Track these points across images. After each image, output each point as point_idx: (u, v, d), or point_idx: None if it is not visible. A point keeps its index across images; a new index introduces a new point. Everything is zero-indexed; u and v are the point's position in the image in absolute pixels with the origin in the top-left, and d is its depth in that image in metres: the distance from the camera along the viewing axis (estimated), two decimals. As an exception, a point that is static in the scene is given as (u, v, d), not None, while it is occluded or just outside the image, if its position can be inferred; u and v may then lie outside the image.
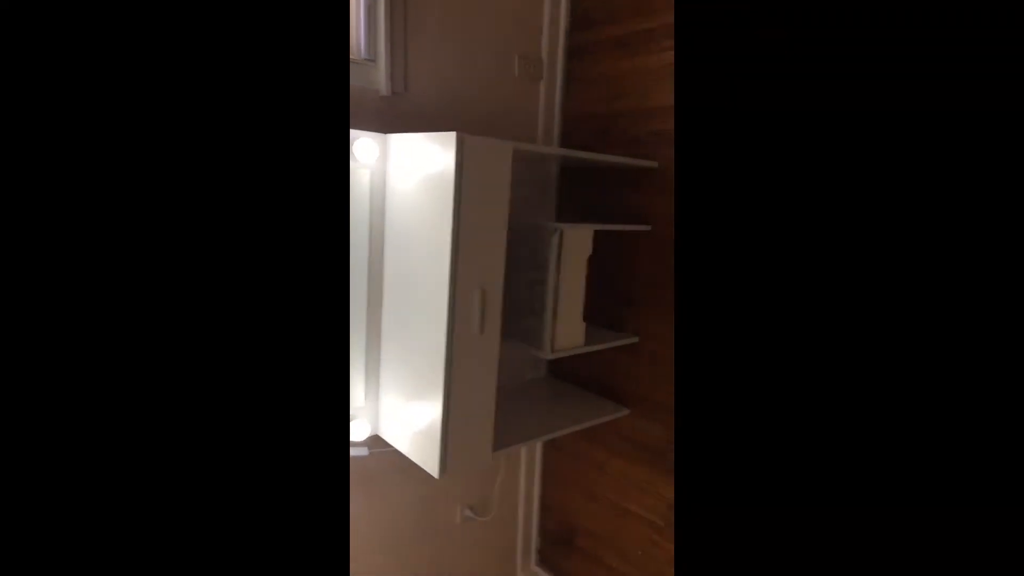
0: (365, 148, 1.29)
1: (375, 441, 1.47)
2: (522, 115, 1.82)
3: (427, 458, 1.31)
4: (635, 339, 1.69)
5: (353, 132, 1.28)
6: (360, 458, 1.52)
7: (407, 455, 1.38)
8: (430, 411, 1.27)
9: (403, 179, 1.30)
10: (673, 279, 1.61)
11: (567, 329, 1.51)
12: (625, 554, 1.84)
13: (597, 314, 1.78)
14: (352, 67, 1.42)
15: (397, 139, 1.30)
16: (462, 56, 1.64)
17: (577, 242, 1.48)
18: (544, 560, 2.15)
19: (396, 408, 1.40)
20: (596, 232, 1.54)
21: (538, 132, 1.86)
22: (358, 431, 1.42)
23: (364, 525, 1.69)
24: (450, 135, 1.13)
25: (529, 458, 2.09)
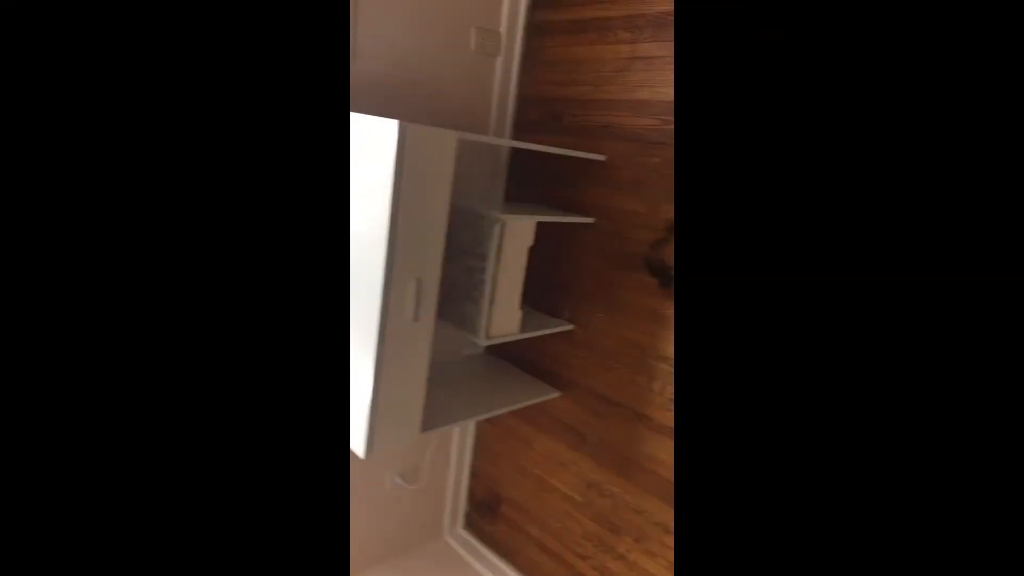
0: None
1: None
2: (476, 91, 1.68)
3: (353, 438, 1.22)
4: (570, 327, 1.65)
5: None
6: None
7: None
8: (359, 394, 1.18)
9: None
10: (614, 271, 1.56)
11: (503, 316, 1.43)
12: (545, 524, 1.84)
13: (534, 299, 1.71)
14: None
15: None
16: (416, 25, 1.48)
17: (519, 233, 1.39)
18: (470, 524, 2.14)
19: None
20: (539, 221, 1.49)
21: (491, 110, 1.73)
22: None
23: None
24: (392, 123, 1.01)
25: (461, 430, 2.03)
